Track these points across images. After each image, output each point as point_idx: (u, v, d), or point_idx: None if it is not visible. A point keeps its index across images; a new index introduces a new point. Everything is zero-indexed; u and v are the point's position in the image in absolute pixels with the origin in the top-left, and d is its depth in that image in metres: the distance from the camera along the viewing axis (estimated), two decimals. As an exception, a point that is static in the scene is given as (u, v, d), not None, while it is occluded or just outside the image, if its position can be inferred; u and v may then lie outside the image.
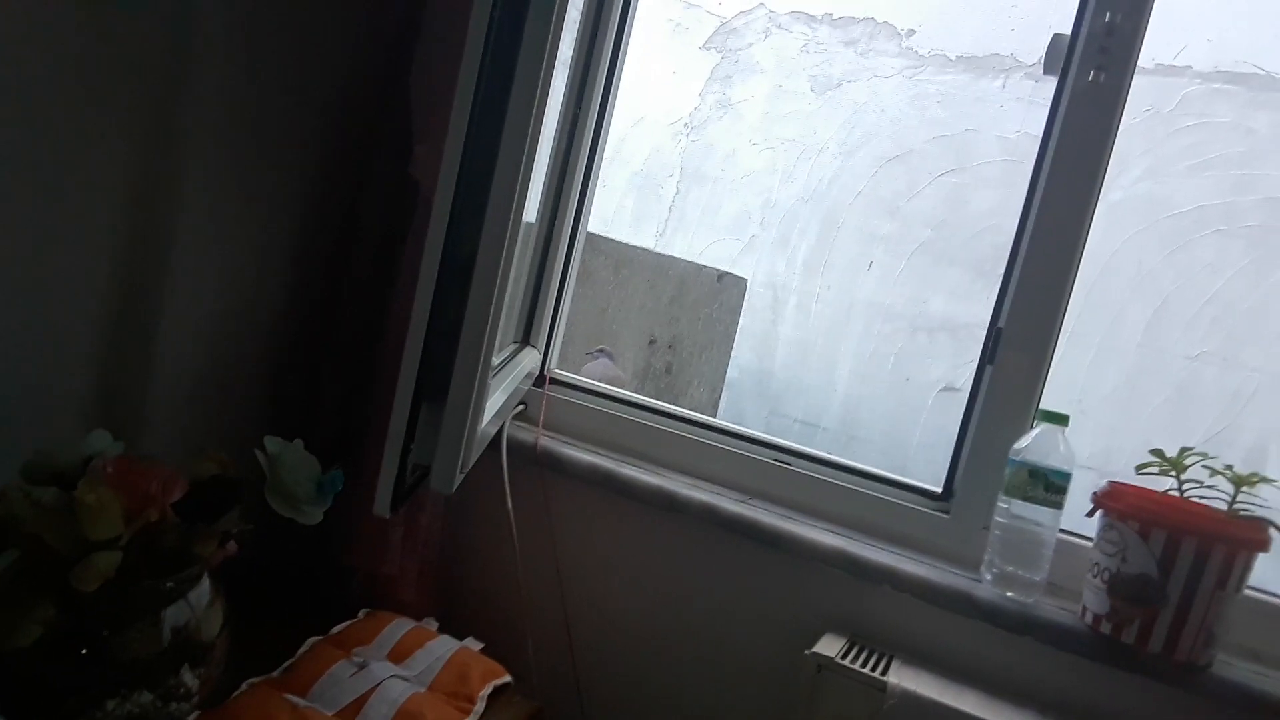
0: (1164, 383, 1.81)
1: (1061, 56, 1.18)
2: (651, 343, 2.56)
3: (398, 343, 0.99)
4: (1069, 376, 1.79)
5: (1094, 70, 1.14)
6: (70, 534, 0.81)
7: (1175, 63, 1.85)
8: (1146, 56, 1.15)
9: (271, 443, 0.99)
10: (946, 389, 2.18)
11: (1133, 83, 1.16)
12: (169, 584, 0.88)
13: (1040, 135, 1.21)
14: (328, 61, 1.29)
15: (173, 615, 0.89)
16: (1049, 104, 1.21)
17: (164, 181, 1.10)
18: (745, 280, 2.50)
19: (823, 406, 2.35)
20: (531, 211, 1.28)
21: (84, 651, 0.84)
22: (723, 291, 2.54)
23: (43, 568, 0.81)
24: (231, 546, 0.95)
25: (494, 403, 1.06)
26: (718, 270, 2.54)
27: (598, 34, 1.38)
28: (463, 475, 0.91)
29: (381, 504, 0.86)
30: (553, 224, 1.43)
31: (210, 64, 1.11)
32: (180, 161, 1.11)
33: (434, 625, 1.26)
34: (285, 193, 1.28)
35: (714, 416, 1.71)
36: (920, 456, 2.15)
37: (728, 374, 2.55)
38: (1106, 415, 1.83)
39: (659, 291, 2.57)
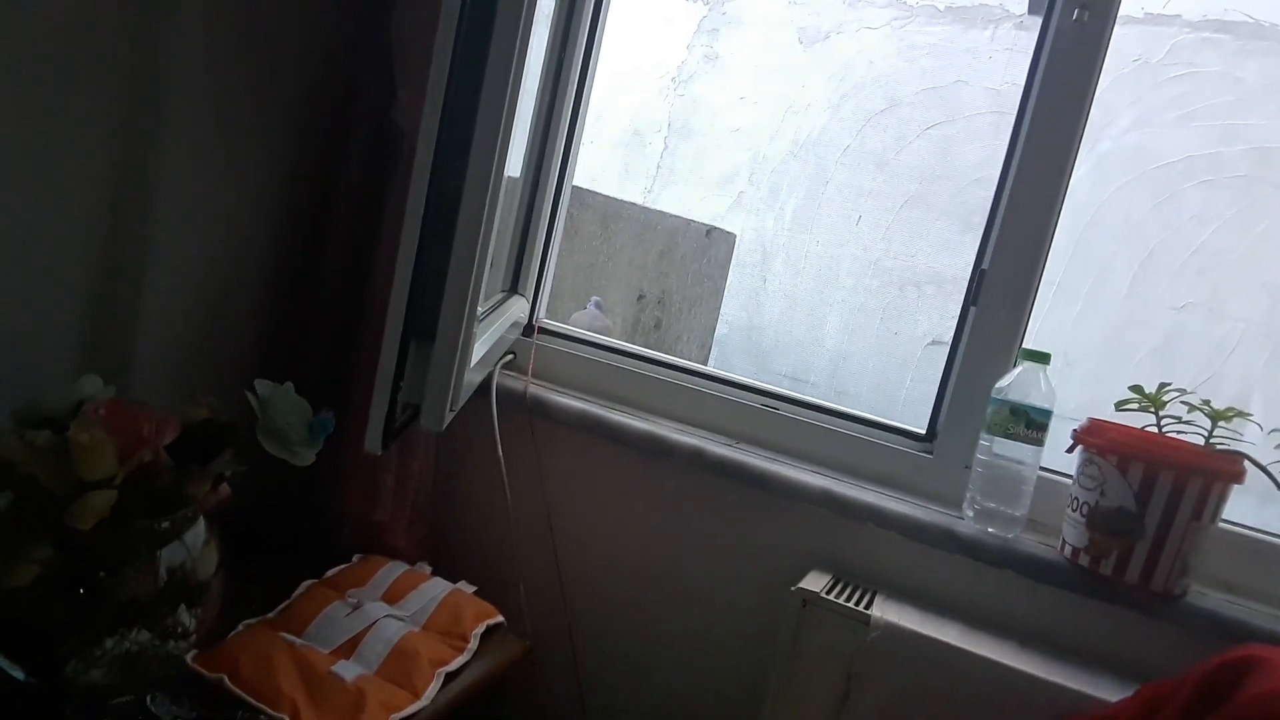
0: (1150, 333, 1.82)
1: (1046, -5, 1.18)
2: (640, 298, 2.56)
3: (385, 288, 0.99)
4: (1056, 328, 1.81)
5: (1078, 9, 1.14)
6: (65, 474, 0.81)
7: (1165, 11, 1.84)
8: (1136, 5, 1.15)
9: (262, 385, 0.99)
10: (934, 343, 2.19)
11: (1121, 30, 1.15)
12: (164, 524, 0.89)
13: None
14: (309, 6, 1.27)
15: (169, 555, 0.90)
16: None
17: (150, 132, 1.09)
18: (734, 235, 2.50)
19: (811, 361, 2.36)
20: (517, 161, 1.28)
21: (81, 591, 0.85)
22: (711, 247, 2.54)
23: (38, 508, 0.82)
24: (225, 489, 0.96)
25: (482, 345, 1.07)
26: (706, 225, 2.53)
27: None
28: (452, 413, 0.92)
29: (372, 441, 0.87)
30: (538, 174, 1.42)
31: (189, 11, 1.10)
32: (165, 112, 1.10)
33: (427, 569, 1.28)
34: (271, 140, 1.27)
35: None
36: (908, 410, 2.16)
37: (717, 329, 2.56)
38: (1093, 366, 1.85)
39: (647, 246, 2.57)
